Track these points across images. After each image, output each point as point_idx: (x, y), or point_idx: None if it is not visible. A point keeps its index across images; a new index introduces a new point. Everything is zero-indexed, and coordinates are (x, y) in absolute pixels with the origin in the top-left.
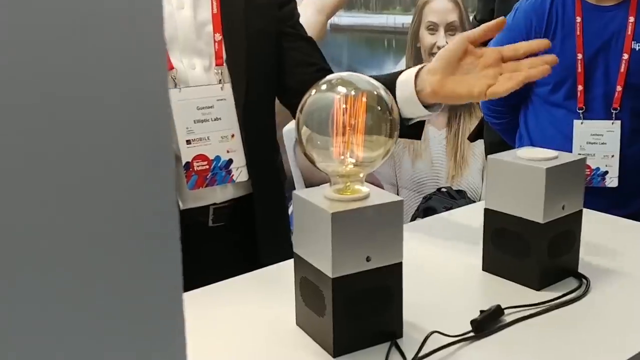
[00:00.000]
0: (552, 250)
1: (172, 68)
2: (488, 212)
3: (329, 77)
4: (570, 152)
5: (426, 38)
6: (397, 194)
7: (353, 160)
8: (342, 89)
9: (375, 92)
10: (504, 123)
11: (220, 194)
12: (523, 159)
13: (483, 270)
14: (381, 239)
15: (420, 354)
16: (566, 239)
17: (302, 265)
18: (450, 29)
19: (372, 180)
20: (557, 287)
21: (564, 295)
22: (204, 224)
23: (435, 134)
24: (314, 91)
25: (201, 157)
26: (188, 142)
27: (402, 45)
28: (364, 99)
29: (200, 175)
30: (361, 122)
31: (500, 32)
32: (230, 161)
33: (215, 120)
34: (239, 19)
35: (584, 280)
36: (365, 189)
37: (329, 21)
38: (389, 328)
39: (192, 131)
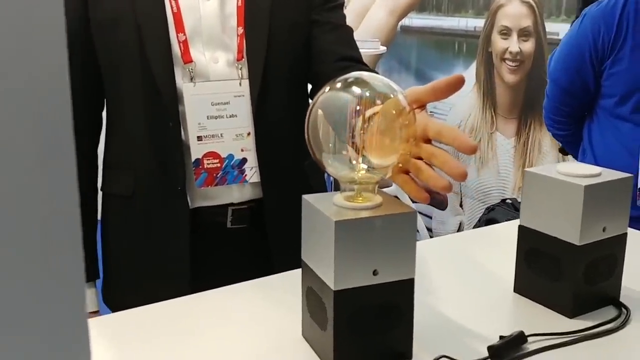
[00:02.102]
0: (589, 275)
1: (190, 61)
2: (522, 230)
3: (342, 76)
4: (637, 169)
5: (498, 43)
6: (461, 203)
7: (365, 166)
8: (356, 90)
9: (392, 94)
10: (567, 135)
11: (237, 194)
12: (562, 174)
13: (514, 292)
14: (391, 252)
15: None
16: (606, 263)
17: (308, 275)
18: (524, 34)
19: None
20: (593, 315)
21: (599, 325)
22: (222, 224)
23: (504, 142)
24: (326, 90)
25: (212, 154)
26: (199, 138)
27: (473, 49)
28: (379, 101)
29: (210, 173)
30: (375, 125)
31: (460, 86)
32: (244, 160)
33: (230, 117)
34: (264, 12)
35: (623, 310)
36: (377, 197)
37: (400, 22)
38: (397, 348)
39: (205, 127)
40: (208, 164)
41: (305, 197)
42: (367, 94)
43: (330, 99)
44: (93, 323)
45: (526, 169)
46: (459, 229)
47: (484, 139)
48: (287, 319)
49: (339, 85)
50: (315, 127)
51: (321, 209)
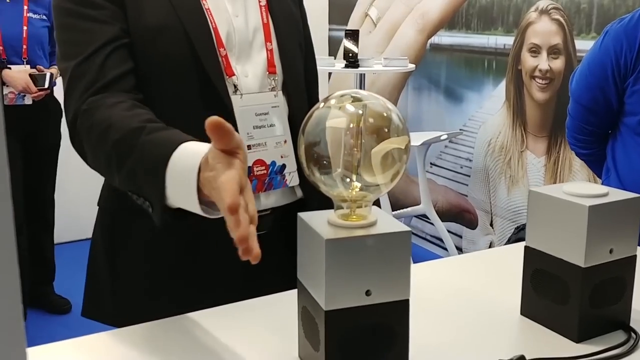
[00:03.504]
0: (595, 299)
1: (233, 74)
2: (528, 251)
3: (335, 93)
4: None
5: (528, 60)
6: (491, 222)
7: (359, 184)
8: (349, 108)
9: (385, 113)
10: (590, 154)
11: (264, 201)
12: (567, 193)
13: (521, 314)
14: (384, 273)
15: None
16: (614, 286)
17: (303, 294)
18: (554, 52)
19: (466, 206)
20: (601, 340)
21: (606, 350)
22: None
23: (534, 161)
24: (319, 107)
25: (259, 162)
26: (248, 147)
27: (503, 66)
28: (372, 120)
29: (260, 180)
30: (369, 143)
31: (217, 129)
32: (283, 166)
33: (270, 126)
34: (288, 29)
35: (633, 335)
36: (372, 215)
37: (429, 40)
38: None
39: (252, 137)
40: (257, 171)
41: (300, 214)
42: (360, 111)
43: (324, 116)
44: (89, 339)
45: (531, 189)
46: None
47: (514, 157)
48: (285, 338)
49: (330, 104)
50: (307, 146)
51: (314, 227)
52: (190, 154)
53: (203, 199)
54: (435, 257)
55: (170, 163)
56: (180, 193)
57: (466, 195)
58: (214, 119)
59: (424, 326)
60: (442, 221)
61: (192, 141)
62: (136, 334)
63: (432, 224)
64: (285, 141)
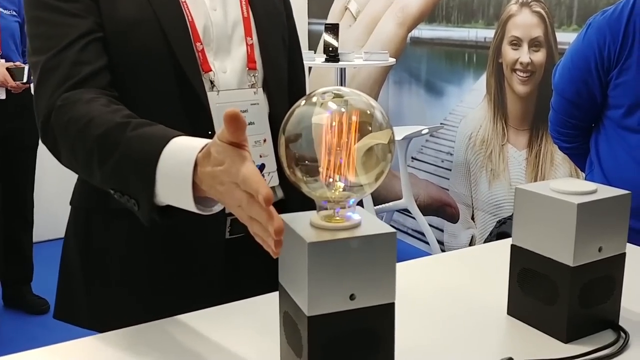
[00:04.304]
0: (584, 298)
1: (209, 70)
2: (515, 250)
3: (317, 90)
4: None
5: (509, 53)
6: (472, 216)
7: (342, 185)
8: (331, 105)
9: (368, 111)
10: (574, 148)
11: None
12: (554, 191)
13: (508, 314)
14: (369, 276)
15: None
16: (603, 285)
17: (284, 299)
18: (535, 44)
19: (447, 200)
20: (590, 340)
21: (595, 350)
22: (220, 234)
23: (516, 154)
24: (300, 105)
25: None
26: None
27: (483, 60)
28: (355, 117)
29: None
30: (352, 142)
31: (234, 121)
32: (262, 166)
33: (249, 124)
34: (269, 23)
35: (622, 334)
36: (356, 216)
37: (409, 34)
38: None
39: None
40: None
41: (281, 216)
42: (342, 109)
43: (305, 114)
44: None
45: (517, 186)
46: (471, 243)
47: (495, 151)
48: (267, 343)
49: (311, 101)
50: (288, 145)
51: (296, 230)
52: (183, 148)
53: (195, 195)
54: (416, 251)
55: (162, 158)
56: (172, 189)
57: (447, 189)
58: (231, 110)
59: (410, 328)
60: (424, 215)
61: (183, 136)
62: (117, 338)
63: (413, 218)
64: (264, 140)
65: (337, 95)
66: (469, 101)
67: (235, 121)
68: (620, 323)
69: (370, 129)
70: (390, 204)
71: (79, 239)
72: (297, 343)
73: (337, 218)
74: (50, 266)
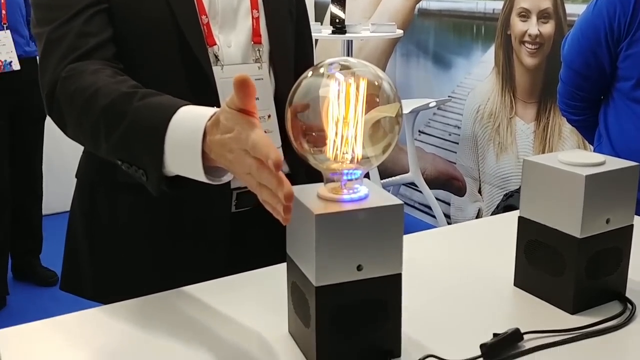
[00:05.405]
0: (591, 269)
1: (214, 44)
2: (522, 221)
3: (325, 61)
4: None
5: (517, 25)
6: (479, 189)
7: (349, 157)
8: (339, 76)
9: (376, 82)
10: (582, 120)
11: None
12: (563, 163)
13: (514, 286)
14: (376, 247)
15: None
16: (610, 257)
17: (293, 269)
18: (544, 16)
19: (454, 173)
20: (596, 311)
21: (601, 321)
22: (225, 208)
23: (523, 127)
24: (307, 76)
25: None
26: None
27: (492, 32)
28: (363, 88)
29: None
30: (359, 113)
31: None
32: None
33: None
34: None
35: (629, 306)
36: (363, 188)
37: (417, 5)
38: (384, 346)
39: None
40: None
41: None
42: (351, 80)
43: (313, 86)
44: (80, 315)
45: (525, 158)
46: (478, 216)
47: (503, 124)
48: (275, 314)
49: (318, 72)
50: (295, 117)
51: (303, 202)
52: (192, 117)
53: (204, 165)
54: (423, 225)
55: (170, 127)
56: (181, 158)
57: (454, 163)
58: (241, 75)
59: (416, 300)
60: (431, 189)
61: (191, 105)
62: (122, 310)
63: (420, 192)
64: (269, 116)
65: (345, 66)
66: (477, 74)
67: (245, 87)
68: (627, 294)
69: (377, 100)
70: (397, 177)
71: (84, 212)
72: (305, 313)
73: (345, 190)
74: (60, 239)
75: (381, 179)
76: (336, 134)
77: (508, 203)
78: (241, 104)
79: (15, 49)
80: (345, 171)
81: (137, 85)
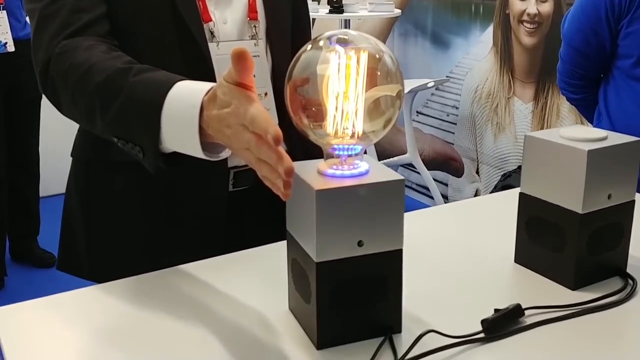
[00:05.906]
0: (593, 245)
1: (210, 20)
2: (523, 198)
3: (324, 34)
4: None
5: (516, 4)
6: (477, 170)
7: (350, 132)
8: (339, 49)
9: (377, 55)
10: (582, 99)
11: None
12: (564, 138)
13: (515, 262)
14: (377, 223)
15: (417, 354)
16: (612, 233)
17: (293, 246)
18: None
19: (452, 154)
20: (597, 287)
21: (602, 297)
22: (223, 187)
23: (521, 107)
24: (306, 49)
25: None
26: None
27: (490, 11)
28: (364, 61)
29: None
30: (360, 87)
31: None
32: None
33: None
34: None
35: (630, 282)
36: (364, 164)
37: None
38: (385, 322)
39: None
40: None
41: None
42: (351, 53)
43: (312, 60)
44: (75, 294)
45: (527, 133)
46: (475, 196)
47: (501, 104)
48: (274, 290)
49: (318, 46)
50: (294, 90)
51: (304, 177)
52: (188, 92)
53: (202, 141)
54: (421, 205)
55: (167, 102)
56: (178, 134)
57: (452, 144)
58: (239, 48)
59: (417, 276)
60: (428, 170)
61: (187, 80)
62: (117, 288)
63: (418, 172)
64: (265, 94)
65: (344, 40)
66: (475, 53)
67: (243, 60)
68: (628, 270)
69: (379, 73)
70: (395, 158)
71: (80, 191)
72: (305, 289)
73: (345, 165)
74: (57, 220)
75: (379, 160)
76: (336, 108)
77: (506, 183)
78: (239, 78)
79: (11, 32)
80: (346, 146)
81: (132, 61)
